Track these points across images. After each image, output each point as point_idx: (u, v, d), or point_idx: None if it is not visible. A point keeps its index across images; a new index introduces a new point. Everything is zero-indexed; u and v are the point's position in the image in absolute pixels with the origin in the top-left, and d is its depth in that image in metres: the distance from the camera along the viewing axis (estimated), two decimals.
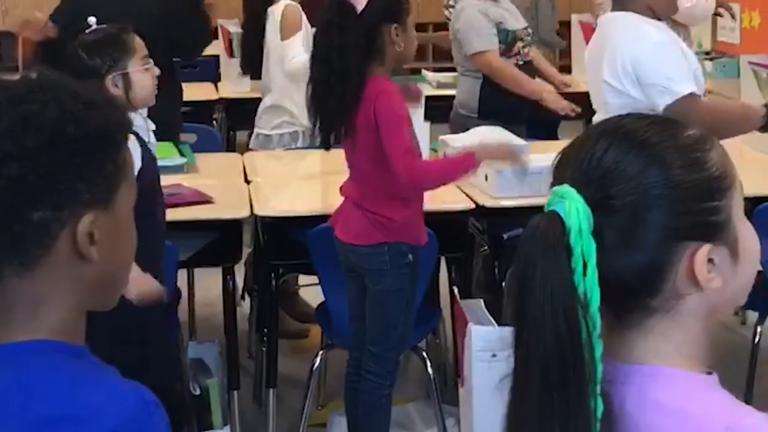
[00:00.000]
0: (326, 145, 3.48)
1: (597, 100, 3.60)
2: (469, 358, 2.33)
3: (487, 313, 2.48)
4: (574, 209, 1.17)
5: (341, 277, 3.55)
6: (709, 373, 1.24)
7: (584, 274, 1.15)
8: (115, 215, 1.28)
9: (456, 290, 3.52)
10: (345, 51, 3.26)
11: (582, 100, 4.48)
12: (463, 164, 3.42)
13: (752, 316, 4.37)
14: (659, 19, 3.50)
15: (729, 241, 1.22)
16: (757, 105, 3.67)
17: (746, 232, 1.25)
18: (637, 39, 3.42)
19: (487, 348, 2.10)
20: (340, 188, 3.53)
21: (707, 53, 7.52)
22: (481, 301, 2.70)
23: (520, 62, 5.10)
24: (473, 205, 3.99)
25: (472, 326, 2.26)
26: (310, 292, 4.75)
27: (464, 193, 4.10)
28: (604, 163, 1.20)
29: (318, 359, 3.87)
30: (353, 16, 3.27)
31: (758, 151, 4.99)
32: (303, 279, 4.90)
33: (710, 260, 1.20)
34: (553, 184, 1.24)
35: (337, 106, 3.32)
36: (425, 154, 4.23)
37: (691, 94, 3.38)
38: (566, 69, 6.72)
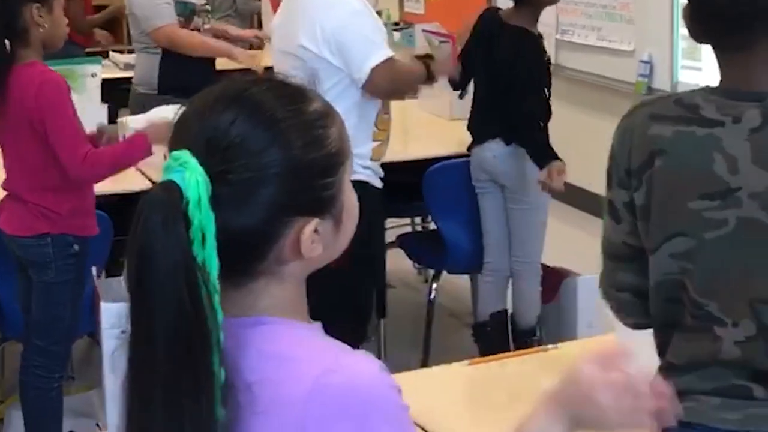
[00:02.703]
0: None
1: (282, 66, 3.67)
2: (101, 337, 2.33)
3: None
4: (194, 181, 1.17)
5: (12, 268, 3.47)
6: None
7: (203, 243, 1.16)
8: None
9: None
10: None
11: None
12: (137, 148, 3.40)
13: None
14: None
15: (335, 212, 1.28)
16: (419, 65, 3.87)
17: (350, 200, 1.31)
18: (336, 5, 3.54)
19: (117, 325, 2.08)
20: (2, 183, 3.45)
21: (396, 24, 7.77)
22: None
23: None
24: (150, 185, 3.95)
25: (103, 304, 2.27)
26: None
27: (144, 174, 4.09)
28: (230, 137, 1.20)
29: None
30: None
31: (429, 113, 5.22)
32: None
33: (315, 230, 1.25)
34: (173, 144, 1.22)
35: None
36: None
37: (391, 59, 3.57)
38: None
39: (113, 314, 1.97)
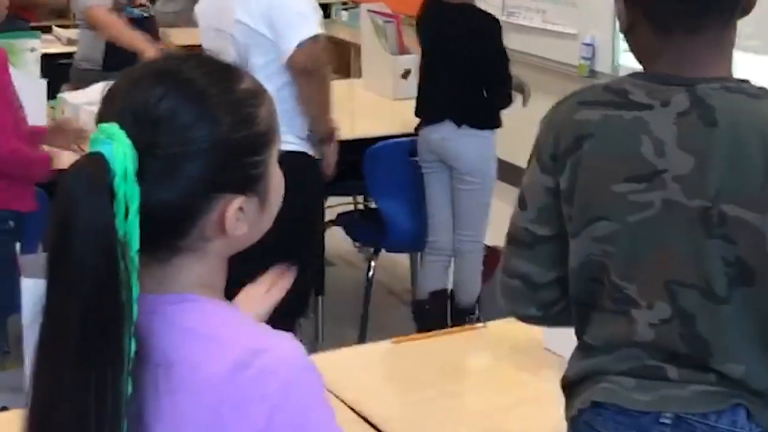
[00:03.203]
0: None
1: (212, 44, 3.66)
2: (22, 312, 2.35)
3: None
4: (121, 154, 1.16)
5: None
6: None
7: (126, 217, 1.16)
8: None
9: None
10: None
11: None
12: (38, 167, 3.40)
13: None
14: None
15: (261, 191, 1.28)
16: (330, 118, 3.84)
17: (276, 181, 1.31)
18: None
19: (38, 301, 2.06)
20: None
21: (343, 3, 7.77)
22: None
23: (138, 16, 5.09)
24: None
25: (23, 279, 2.27)
26: None
27: (81, 150, 4.07)
28: (159, 111, 1.20)
29: None
30: None
31: (373, 92, 5.24)
32: None
33: (240, 208, 1.25)
34: (100, 118, 1.21)
35: None
36: (42, 114, 4.16)
37: (320, 35, 3.59)
38: None
39: (33, 290, 1.96)
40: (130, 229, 1.16)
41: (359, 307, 4.29)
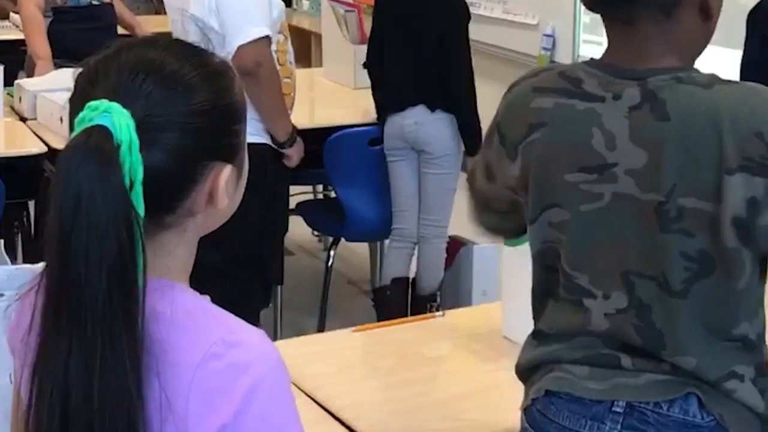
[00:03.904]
0: None
1: (176, 26, 3.67)
2: None
3: (4, 252, 2.48)
4: (124, 124, 1.15)
5: None
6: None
7: (131, 188, 1.14)
8: None
9: None
10: None
11: None
12: None
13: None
14: None
15: (239, 163, 1.29)
16: (289, 121, 3.78)
17: (246, 157, 1.32)
18: None
19: None
20: None
21: None
22: (2, 241, 2.69)
23: (86, 4, 5.04)
24: (46, 149, 3.95)
25: None
26: None
27: (38, 137, 4.07)
28: (144, 89, 1.19)
29: None
30: None
31: (333, 81, 5.23)
32: None
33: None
34: (79, 103, 1.19)
35: None
36: None
37: (266, 38, 3.49)
38: None
39: None
40: (136, 200, 1.15)
41: (318, 296, 4.29)
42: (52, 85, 4.21)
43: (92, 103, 1.17)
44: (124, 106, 1.17)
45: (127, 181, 1.14)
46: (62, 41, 4.77)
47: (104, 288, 1.14)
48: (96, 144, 1.14)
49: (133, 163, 1.15)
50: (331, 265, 4.32)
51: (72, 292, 1.15)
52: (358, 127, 4.40)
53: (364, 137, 4.33)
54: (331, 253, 4.35)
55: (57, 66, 4.60)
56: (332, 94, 5.11)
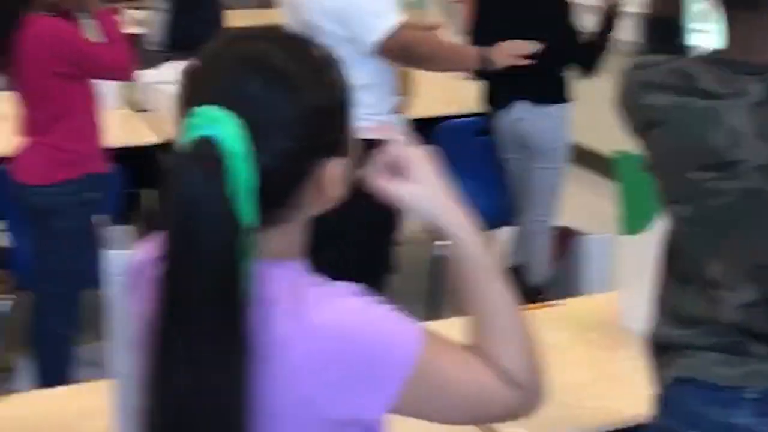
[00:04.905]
0: None
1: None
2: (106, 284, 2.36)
3: (127, 238, 2.53)
4: (233, 135, 1.16)
5: (25, 217, 3.52)
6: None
7: (243, 197, 1.16)
8: None
9: None
10: None
11: None
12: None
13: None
14: None
15: (348, 152, 1.29)
16: (472, 48, 3.77)
17: (355, 144, 1.32)
18: None
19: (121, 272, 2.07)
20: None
21: None
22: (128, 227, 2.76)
23: None
24: (159, 140, 4.04)
25: (109, 251, 2.29)
26: None
27: (151, 128, 4.15)
28: (249, 91, 1.19)
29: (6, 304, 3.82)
30: None
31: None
32: None
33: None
34: (187, 104, 1.21)
35: None
36: (113, 91, 4.21)
37: (404, 24, 3.35)
38: None
39: (118, 262, 1.97)
40: (246, 208, 1.17)
41: (426, 285, 4.29)
42: (167, 77, 4.29)
43: (200, 111, 1.18)
44: (231, 110, 1.17)
45: (236, 191, 1.15)
46: (179, 32, 4.88)
47: (210, 299, 1.17)
48: (204, 155, 1.15)
49: (242, 172, 1.16)
50: (438, 255, 4.32)
51: (180, 302, 1.18)
52: (457, 118, 4.40)
53: (471, 128, 4.33)
54: (440, 242, 4.34)
55: (171, 59, 4.69)
56: (440, 83, 5.09)
